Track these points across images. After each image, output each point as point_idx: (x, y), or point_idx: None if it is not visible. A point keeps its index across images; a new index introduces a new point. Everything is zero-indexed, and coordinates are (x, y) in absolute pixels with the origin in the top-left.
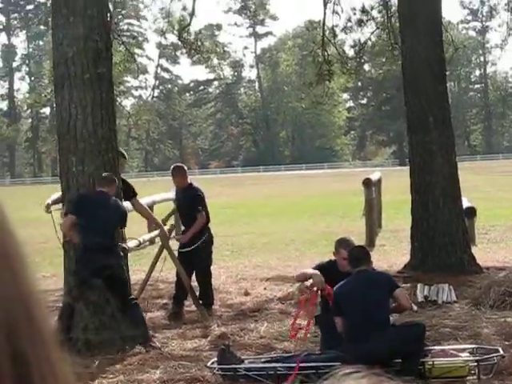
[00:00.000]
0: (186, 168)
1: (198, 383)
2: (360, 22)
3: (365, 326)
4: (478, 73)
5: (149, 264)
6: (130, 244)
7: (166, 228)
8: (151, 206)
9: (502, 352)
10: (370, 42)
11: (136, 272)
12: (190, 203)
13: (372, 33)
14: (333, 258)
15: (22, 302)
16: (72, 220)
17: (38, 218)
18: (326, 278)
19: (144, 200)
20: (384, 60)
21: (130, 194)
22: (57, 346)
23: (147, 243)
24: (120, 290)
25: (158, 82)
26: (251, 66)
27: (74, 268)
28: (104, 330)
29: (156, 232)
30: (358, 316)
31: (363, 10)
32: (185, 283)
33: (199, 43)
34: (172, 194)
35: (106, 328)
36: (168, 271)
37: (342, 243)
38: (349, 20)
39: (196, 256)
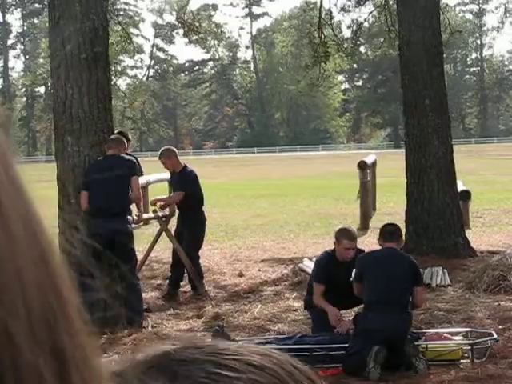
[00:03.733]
0: (175, 150)
1: None
2: (358, 1)
3: (388, 301)
4: (474, 56)
5: (142, 244)
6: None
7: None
8: (145, 187)
9: (495, 336)
10: (366, 24)
11: None
12: (183, 185)
13: (370, 13)
14: (328, 249)
15: (55, 290)
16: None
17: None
18: (327, 274)
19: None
20: (381, 41)
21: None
22: (86, 332)
23: (141, 223)
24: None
25: (153, 61)
26: (247, 47)
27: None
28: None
29: (152, 215)
30: (383, 287)
31: None
32: (184, 263)
33: (197, 24)
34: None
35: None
36: (162, 251)
37: (344, 233)
38: None
39: (186, 236)
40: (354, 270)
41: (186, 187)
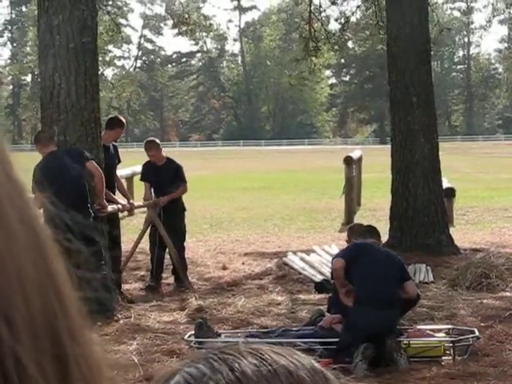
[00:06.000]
0: (159, 142)
1: (175, 356)
2: None
3: (380, 297)
4: (461, 53)
5: (127, 235)
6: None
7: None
8: (131, 177)
9: (477, 333)
10: (354, 18)
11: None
12: (173, 176)
13: (358, 7)
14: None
15: (55, 288)
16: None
17: None
18: None
19: (124, 171)
20: (368, 34)
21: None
22: (88, 327)
23: (125, 213)
24: None
25: (140, 52)
26: (235, 40)
27: None
28: None
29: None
30: (377, 282)
31: None
32: (171, 254)
33: (186, 16)
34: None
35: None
36: (146, 242)
37: (354, 232)
38: None
39: (174, 227)
40: (346, 249)
41: (184, 178)
